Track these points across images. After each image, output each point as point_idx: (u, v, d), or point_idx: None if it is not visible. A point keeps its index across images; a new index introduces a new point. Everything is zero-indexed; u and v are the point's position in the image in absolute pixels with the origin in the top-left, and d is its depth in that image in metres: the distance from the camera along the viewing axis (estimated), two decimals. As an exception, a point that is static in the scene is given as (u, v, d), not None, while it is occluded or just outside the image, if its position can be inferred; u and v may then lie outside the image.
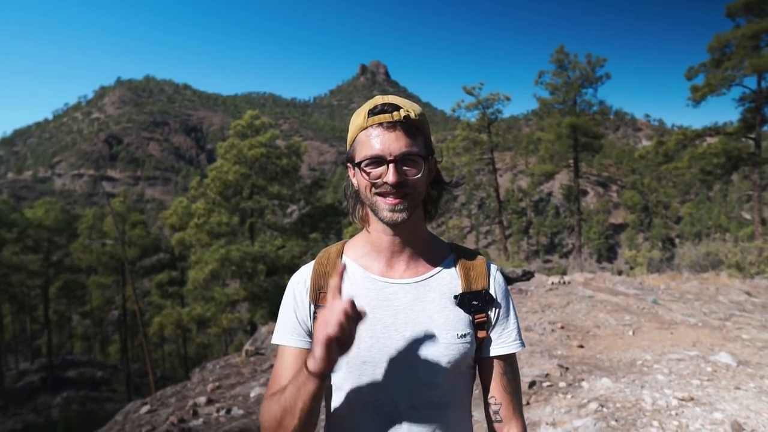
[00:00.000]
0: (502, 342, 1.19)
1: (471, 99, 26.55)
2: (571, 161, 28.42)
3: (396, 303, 1.14)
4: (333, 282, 1.01)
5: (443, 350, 1.11)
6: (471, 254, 1.24)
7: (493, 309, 1.19)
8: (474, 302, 1.16)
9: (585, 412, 4.16)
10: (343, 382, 1.14)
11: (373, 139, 1.07)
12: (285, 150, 20.17)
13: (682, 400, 4.27)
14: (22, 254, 26.36)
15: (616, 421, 3.96)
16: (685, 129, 24.19)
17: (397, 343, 1.11)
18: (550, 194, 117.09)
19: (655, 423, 3.86)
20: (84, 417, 18.60)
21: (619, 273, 15.67)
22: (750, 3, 20.88)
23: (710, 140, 23.46)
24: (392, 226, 1.11)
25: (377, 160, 1.06)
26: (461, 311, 1.15)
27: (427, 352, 1.11)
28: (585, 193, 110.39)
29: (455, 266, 1.20)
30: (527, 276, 10.56)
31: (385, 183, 1.06)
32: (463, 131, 26.68)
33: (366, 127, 1.08)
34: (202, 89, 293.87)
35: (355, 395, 1.13)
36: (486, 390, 1.22)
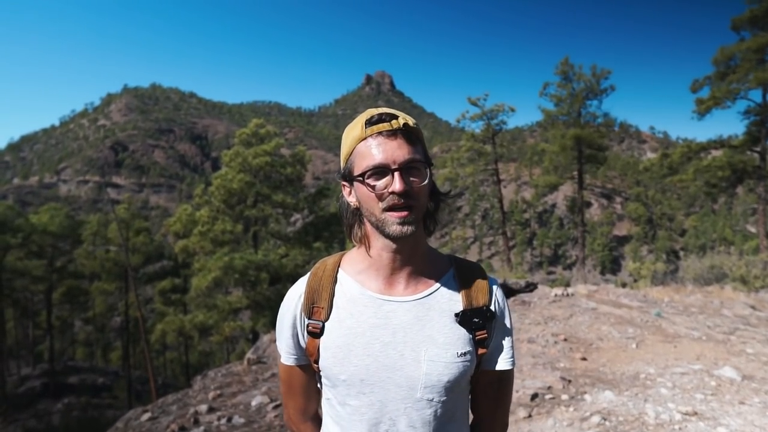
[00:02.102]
0: (501, 358, 1.19)
1: (476, 110, 26.66)
2: (576, 173, 28.37)
3: (395, 321, 1.11)
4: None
5: (443, 369, 1.09)
6: (471, 268, 1.20)
7: (494, 325, 1.17)
8: (475, 319, 1.13)
9: (587, 425, 4.14)
10: (342, 399, 1.13)
11: (374, 148, 1.03)
12: (289, 159, 20.19)
13: (685, 414, 4.24)
14: (26, 259, 26.42)
15: (619, 434, 3.93)
16: (690, 142, 24.16)
17: (395, 362, 1.09)
18: (554, 206, 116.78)
19: (659, 437, 3.83)
20: (85, 423, 18.50)
21: (623, 285, 15.57)
22: (755, 16, 20.95)
23: (715, 153, 23.39)
24: (398, 240, 1.07)
25: (381, 170, 1.02)
26: (462, 329, 1.12)
27: (426, 371, 1.09)
28: (589, 204, 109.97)
29: (455, 282, 1.17)
30: (530, 287, 10.53)
31: (392, 193, 1.01)
32: (467, 142, 26.77)
33: (365, 138, 1.05)
34: (208, 97, 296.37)
35: (353, 413, 1.12)
36: (474, 400, 1.24)
